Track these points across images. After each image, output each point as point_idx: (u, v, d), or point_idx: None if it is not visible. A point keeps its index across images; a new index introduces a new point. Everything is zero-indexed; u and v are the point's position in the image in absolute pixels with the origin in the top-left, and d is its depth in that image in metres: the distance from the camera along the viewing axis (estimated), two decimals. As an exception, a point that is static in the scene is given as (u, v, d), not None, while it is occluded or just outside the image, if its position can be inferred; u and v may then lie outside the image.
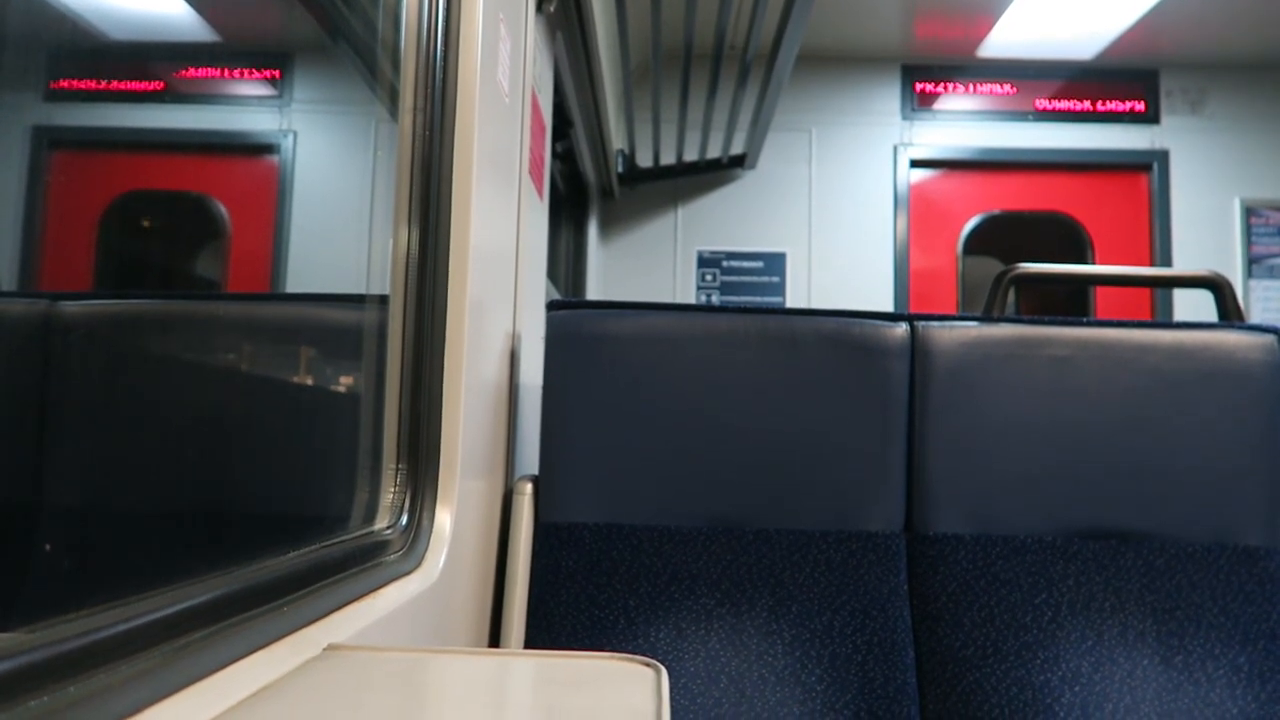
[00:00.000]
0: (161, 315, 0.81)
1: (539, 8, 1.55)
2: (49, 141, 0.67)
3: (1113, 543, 1.18)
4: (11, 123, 0.64)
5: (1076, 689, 1.12)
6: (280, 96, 1.14)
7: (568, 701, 0.55)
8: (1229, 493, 1.19)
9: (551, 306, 1.23)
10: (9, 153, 0.65)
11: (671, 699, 1.11)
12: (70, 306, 0.69)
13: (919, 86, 4.07)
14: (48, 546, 0.56)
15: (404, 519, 0.93)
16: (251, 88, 1.06)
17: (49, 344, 0.64)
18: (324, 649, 0.64)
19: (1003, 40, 3.88)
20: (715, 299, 3.97)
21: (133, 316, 0.77)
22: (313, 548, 0.75)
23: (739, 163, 3.92)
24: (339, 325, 1.11)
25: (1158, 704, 1.11)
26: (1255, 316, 3.88)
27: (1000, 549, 1.18)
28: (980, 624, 1.15)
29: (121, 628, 0.45)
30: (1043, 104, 4.03)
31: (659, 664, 0.62)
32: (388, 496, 0.93)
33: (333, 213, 1.20)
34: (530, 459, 1.46)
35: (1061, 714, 1.11)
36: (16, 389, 0.59)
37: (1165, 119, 4.02)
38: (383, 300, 0.99)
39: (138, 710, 0.44)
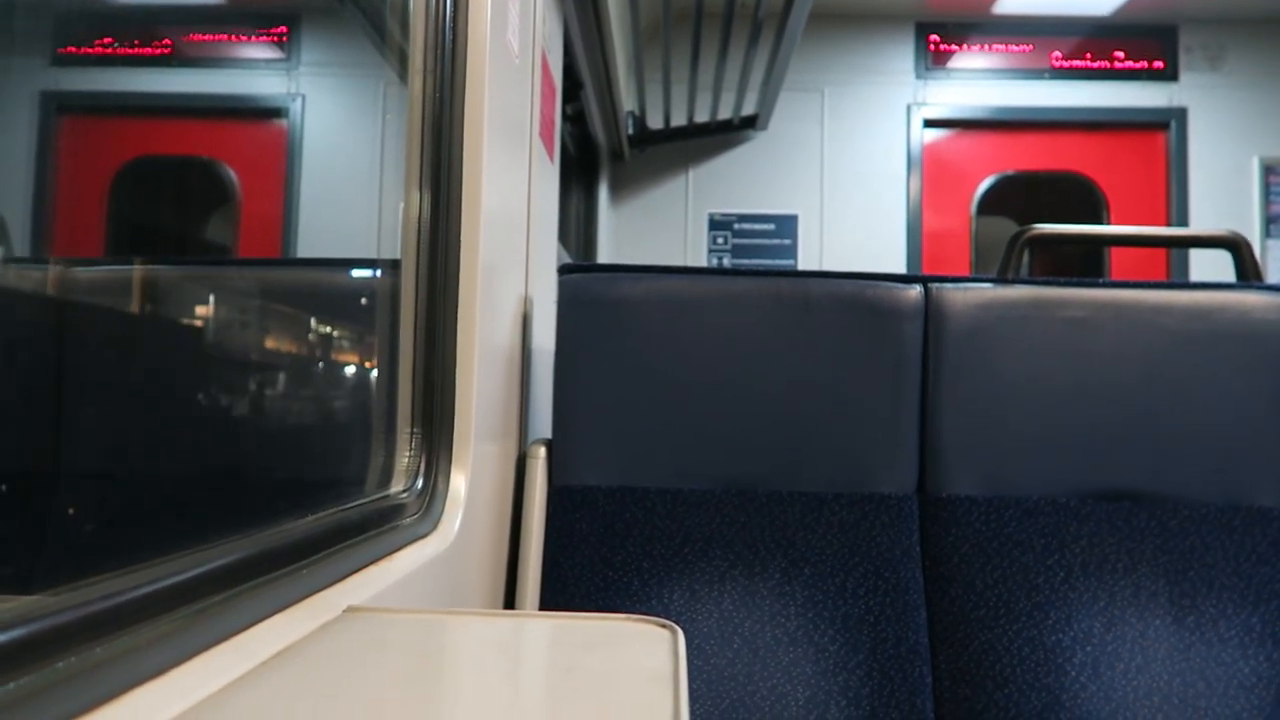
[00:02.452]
0: (174, 281, 0.81)
1: None
2: (57, 107, 0.67)
3: (1126, 504, 1.18)
4: (19, 88, 0.64)
5: (1088, 649, 1.12)
6: (288, 60, 1.13)
7: (585, 662, 0.55)
8: (1244, 454, 1.18)
9: (563, 270, 1.23)
10: (18, 119, 0.65)
11: (686, 659, 1.12)
12: (83, 272, 0.69)
13: (933, 45, 4.01)
14: (71, 511, 0.57)
15: (419, 482, 0.93)
16: (259, 51, 1.05)
17: (62, 310, 0.65)
18: (343, 611, 0.65)
19: (1019, -4, 3.82)
20: (727, 262, 3.95)
21: (145, 282, 0.77)
22: (330, 511, 0.75)
23: (750, 124, 3.88)
24: (351, 290, 1.11)
25: (1169, 664, 1.12)
26: (1273, 277, 3.84)
27: (1013, 510, 1.18)
28: (992, 585, 1.15)
29: (145, 590, 0.46)
30: (1059, 61, 3.97)
31: (675, 625, 0.62)
32: (403, 460, 0.94)
33: (343, 177, 1.20)
34: (543, 423, 1.46)
35: (1073, 673, 1.11)
36: (32, 355, 0.59)
37: (1184, 76, 3.95)
38: (395, 265, 0.99)
39: (162, 671, 0.45)
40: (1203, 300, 1.21)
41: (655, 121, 3.81)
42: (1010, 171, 3.99)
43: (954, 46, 4.01)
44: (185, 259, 0.88)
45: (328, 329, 1.05)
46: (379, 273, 1.05)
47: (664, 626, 0.63)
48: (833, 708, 1.10)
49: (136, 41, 0.78)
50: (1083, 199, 3.98)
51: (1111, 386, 1.20)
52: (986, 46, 4.01)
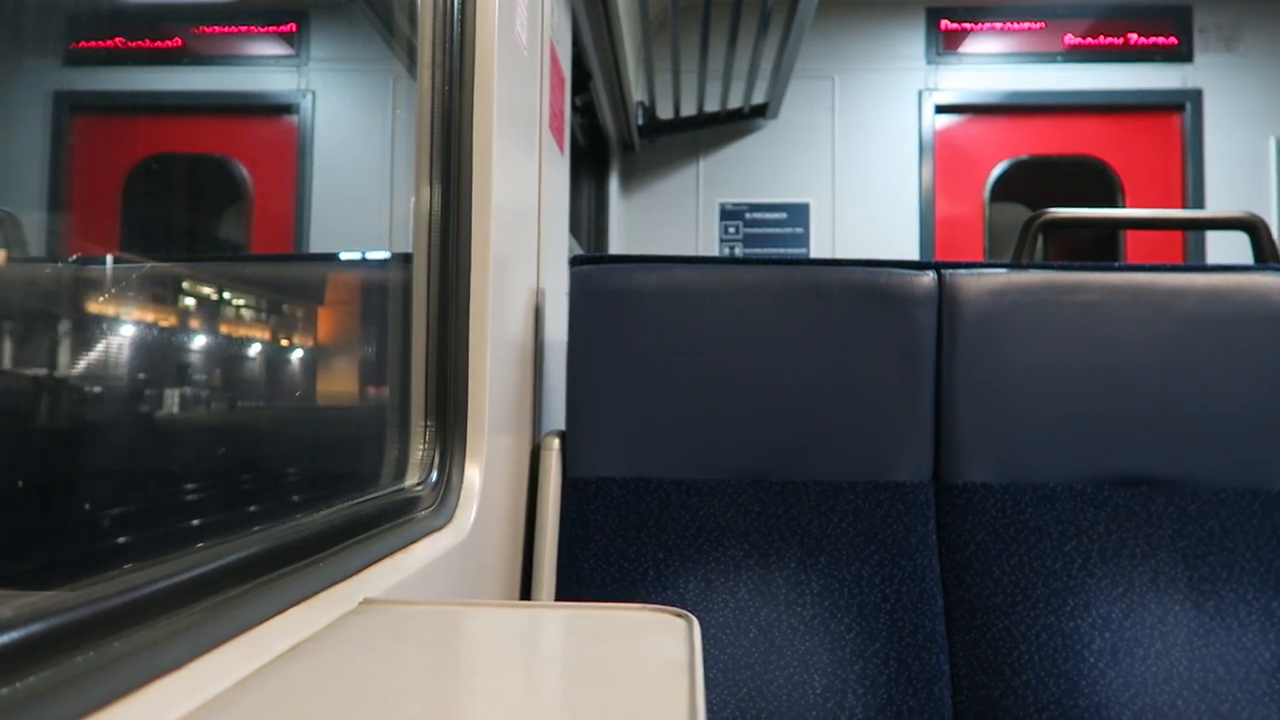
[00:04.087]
0: (188, 278, 0.82)
1: None
2: (70, 106, 0.67)
3: (1143, 489, 1.17)
4: (33, 89, 0.64)
5: (1107, 635, 1.12)
6: (298, 56, 1.13)
7: (601, 652, 0.56)
8: (1263, 437, 1.17)
9: (575, 262, 1.23)
10: (32, 119, 0.65)
11: (702, 649, 1.12)
12: (97, 270, 0.70)
13: (944, 29, 3.97)
14: (87, 506, 0.57)
15: (434, 475, 0.94)
16: (269, 47, 1.05)
17: (76, 307, 0.65)
18: (360, 603, 0.65)
19: (1030, -22, 3.78)
20: (739, 251, 3.94)
21: (161, 279, 0.77)
22: (346, 504, 0.75)
23: (761, 112, 3.86)
24: (363, 285, 1.11)
25: (1188, 649, 1.11)
26: (1290, 258, 3.80)
27: (1030, 497, 1.17)
28: (1009, 571, 1.15)
29: (162, 584, 0.46)
30: (1071, 43, 3.93)
31: (690, 615, 0.62)
32: (418, 453, 0.94)
33: (354, 172, 1.20)
34: (557, 415, 1.46)
35: (1091, 660, 1.11)
36: (45, 352, 0.59)
37: (1198, 56, 3.91)
38: (406, 259, 0.99)
39: (181, 664, 0.45)
40: (1220, 283, 1.20)
41: (665, 111, 3.80)
42: (1023, 156, 3.96)
43: (965, 29, 3.98)
44: (197, 256, 0.88)
45: (338, 324, 1.05)
46: (391, 267, 1.05)
47: (679, 616, 0.63)
48: (850, 696, 1.10)
49: (147, 40, 0.79)
50: (1097, 183, 3.95)
51: (1128, 371, 1.19)
52: (998, 30, 3.97)
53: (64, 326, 0.62)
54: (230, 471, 0.81)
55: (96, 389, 0.63)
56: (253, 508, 0.80)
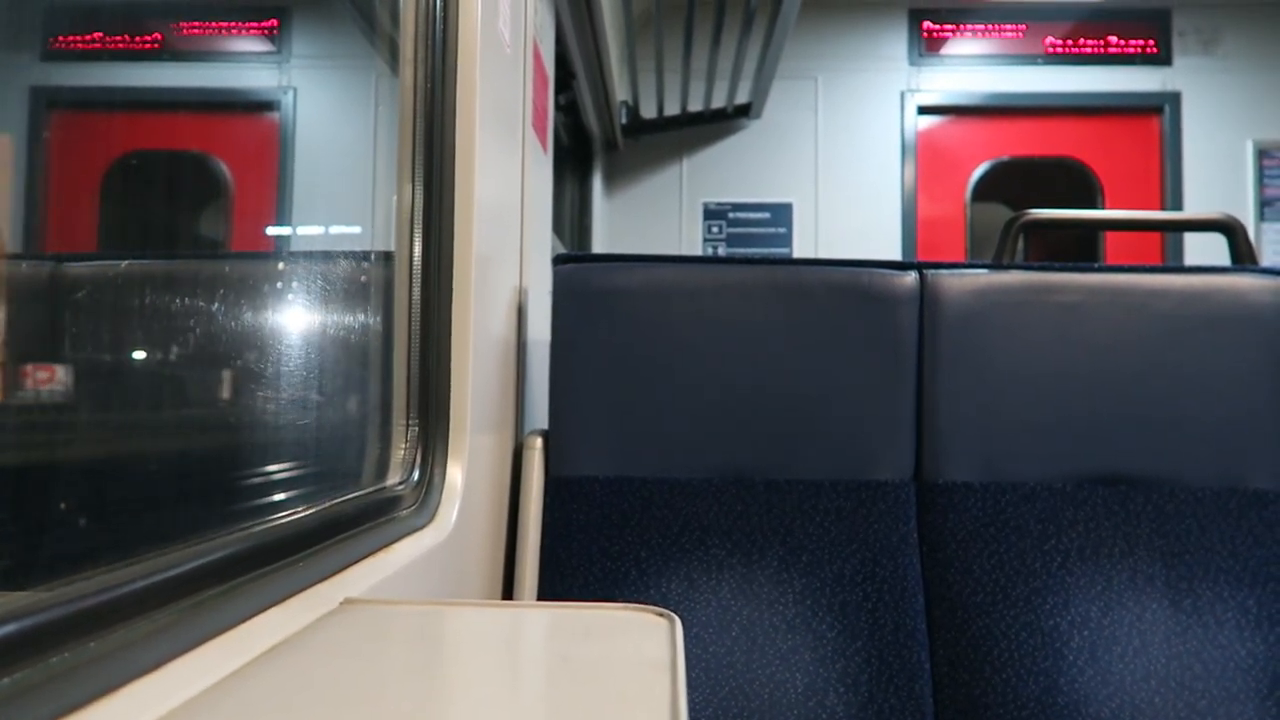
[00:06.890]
0: (167, 276, 0.81)
1: None
2: (48, 102, 0.67)
3: (1122, 488, 1.18)
4: (10, 84, 0.63)
5: (1085, 633, 1.13)
6: (279, 53, 1.13)
7: (583, 651, 0.55)
8: (1240, 436, 1.19)
9: (558, 261, 1.23)
10: (9, 115, 0.64)
11: (684, 648, 1.12)
12: (75, 268, 0.69)
13: (926, 31, 3.99)
14: (63, 506, 0.57)
15: (416, 474, 0.93)
16: (250, 44, 1.05)
17: (55, 306, 0.64)
18: (340, 603, 0.65)
19: (1012, -19, 3.80)
20: (722, 251, 3.94)
21: (138, 277, 0.77)
22: (327, 503, 0.75)
23: (744, 112, 3.87)
24: (345, 283, 1.11)
25: (1166, 647, 1.12)
26: (1268, 260, 3.84)
27: (1010, 496, 1.18)
28: (989, 570, 1.16)
29: (139, 585, 0.46)
30: (1052, 46, 3.96)
31: (672, 614, 0.62)
32: (399, 452, 0.94)
33: (336, 170, 1.19)
34: (539, 414, 1.46)
35: (1070, 657, 1.12)
36: (25, 351, 0.59)
37: (1177, 60, 3.94)
38: (388, 257, 0.98)
39: (157, 665, 0.45)
40: (1198, 284, 1.21)
41: (649, 111, 3.80)
42: (1004, 157, 3.99)
43: (947, 33, 4.00)
44: (176, 253, 0.87)
45: (322, 322, 1.05)
46: (373, 265, 1.04)
47: (661, 615, 0.63)
48: (831, 694, 1.10)
49: (127, 36, 0.78)
50: (1077, 184, 3.98)
51: (1107, 371, 1.20)
52: (980, 32, 4.00)
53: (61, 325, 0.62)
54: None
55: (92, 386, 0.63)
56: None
